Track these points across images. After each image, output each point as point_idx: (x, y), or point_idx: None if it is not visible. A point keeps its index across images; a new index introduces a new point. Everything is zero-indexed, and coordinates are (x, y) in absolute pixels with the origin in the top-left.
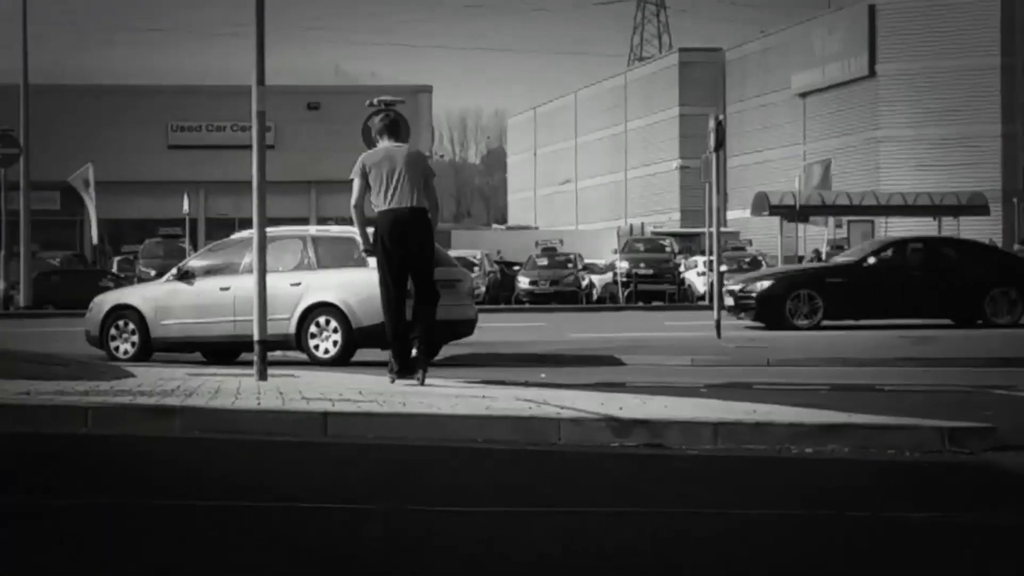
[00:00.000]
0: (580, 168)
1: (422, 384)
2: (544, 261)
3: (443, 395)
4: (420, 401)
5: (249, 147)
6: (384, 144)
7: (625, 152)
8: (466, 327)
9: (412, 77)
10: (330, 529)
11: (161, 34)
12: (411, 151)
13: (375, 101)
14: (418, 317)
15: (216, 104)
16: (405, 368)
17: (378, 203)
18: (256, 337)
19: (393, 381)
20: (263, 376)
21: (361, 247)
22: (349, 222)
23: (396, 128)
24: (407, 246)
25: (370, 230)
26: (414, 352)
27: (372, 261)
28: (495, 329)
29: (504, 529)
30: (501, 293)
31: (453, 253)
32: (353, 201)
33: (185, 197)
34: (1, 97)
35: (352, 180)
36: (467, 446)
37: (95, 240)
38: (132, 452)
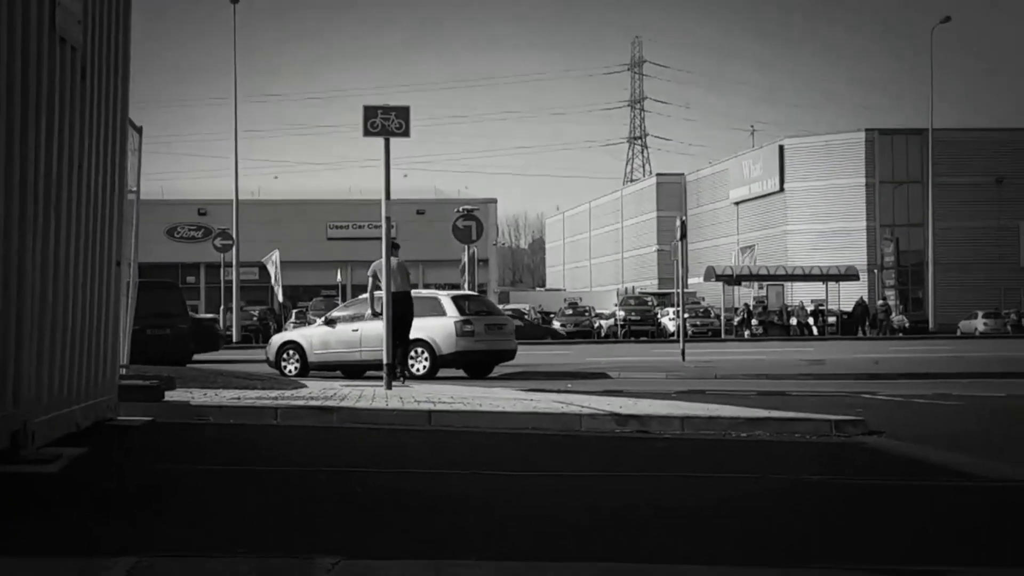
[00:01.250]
0: (593, 251)
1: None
2: (569, 311)
3: (504, 398)
4: (490, 403)
5: (380, 238)
6: (394, 258)
7: (622, 240)
8: (509, 355)
9: (484, 192)
10: (430, 484)
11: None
12: (401, 262)
13: (460, 209)
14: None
15: (358, 210)
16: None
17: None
18: (385, 360)
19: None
20: (389, 386)
21: (372, 310)
22: (442, 287)
23: (397, 249)
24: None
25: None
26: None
27: (447, 309)
28: (538, 356)
29: (548, 486)
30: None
31: (509, 306)
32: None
33: (338, 271)
34: (221, 209)
35: (374, 274)
36: (522, 432)
37: (280, 299)
38: (307, 437)
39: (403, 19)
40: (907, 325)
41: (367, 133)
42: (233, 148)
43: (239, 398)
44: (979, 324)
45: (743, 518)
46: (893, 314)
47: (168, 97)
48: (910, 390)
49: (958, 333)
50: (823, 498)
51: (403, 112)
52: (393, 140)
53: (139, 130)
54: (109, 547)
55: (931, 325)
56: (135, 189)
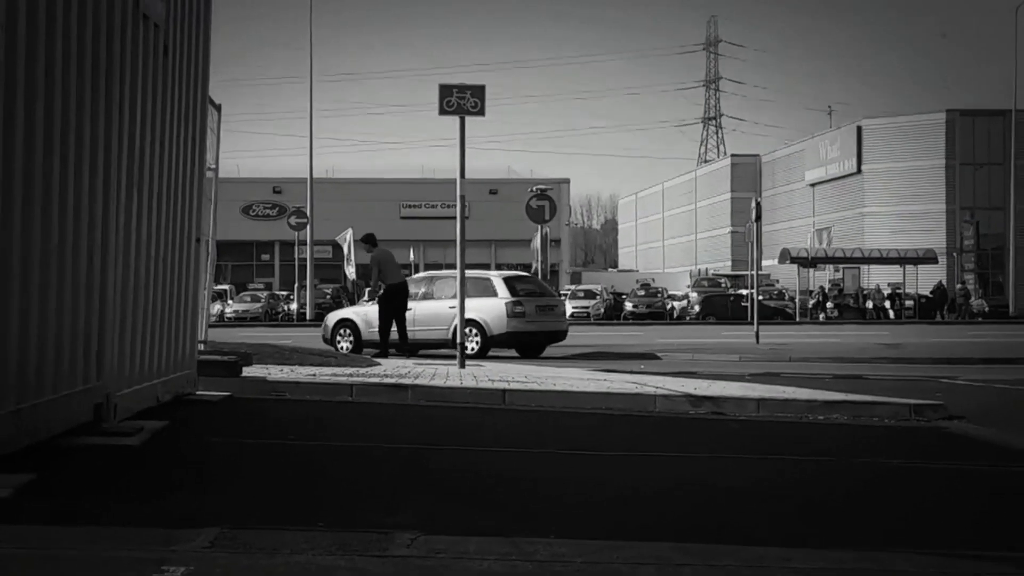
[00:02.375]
0: (666, 232)
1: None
2: (642, 292)
3: (577, 378)
4: (563, 382)
5: (453, 217)
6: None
7: (695, 221)
8: (560, 335)
9: (557, 172)
10: (506, 463)
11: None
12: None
13: (534, 188)
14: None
15: (431, 190)
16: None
17: (392, 279)
18: (459, 341)
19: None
20: (463, 365)
21: (369, 295)
22: (514, 267)
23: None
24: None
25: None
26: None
27: (499, 290)
28: (609, 336)
29: (622, 465)
30: (614, 313)
31: (583, 286)
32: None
33: (411, 249)
34: (296, 187)
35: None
36: (595, 412)
37: (352, 277)
38: (382, 414)
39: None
40: (987, 309)
41: (443, 112)
42: (308, 127)
43: (315, 375)
44: None
45: (821, 501)
46: (972, 298)
47: (245, 75)
48: (990, 375)
49: None
50: (904, 483)
51: (479, 91)
52: (468, 119)
53: (218, 108)
54: (191, 518)
55: (1011, 310)
56: (214, 167)
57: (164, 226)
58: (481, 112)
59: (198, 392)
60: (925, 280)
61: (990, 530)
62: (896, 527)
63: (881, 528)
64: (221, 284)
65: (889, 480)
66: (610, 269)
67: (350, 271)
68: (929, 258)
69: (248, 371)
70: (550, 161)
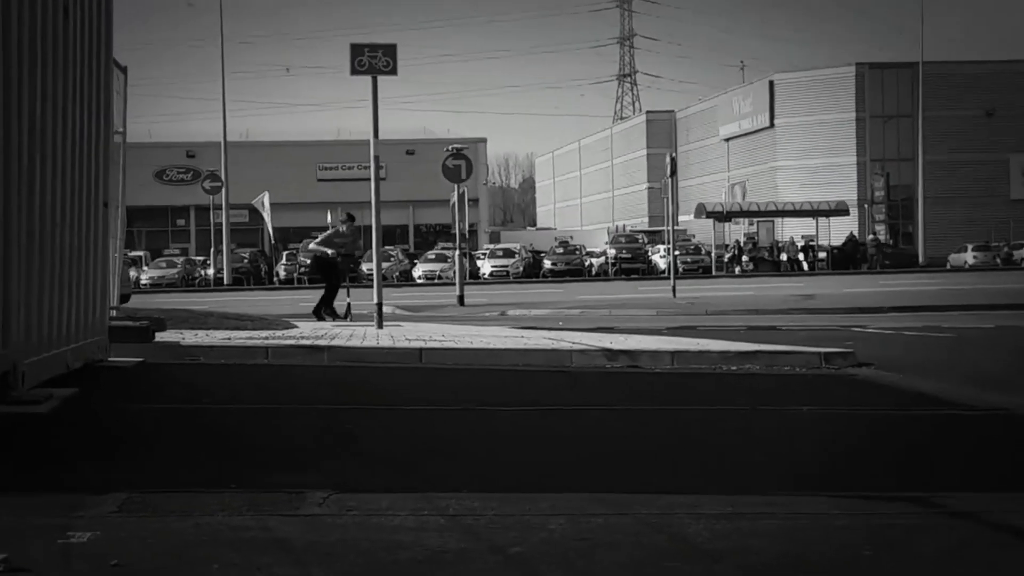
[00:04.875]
0: (583, 189)
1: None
2: (560, 250)
3: (496, 335)
4: (481, 340)
5: (369, 179)
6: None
7: (612, 178)
8: None
9: (474, 131)
10: (421, 421)
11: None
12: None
13: (450, 148)
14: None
15: (348, 151)
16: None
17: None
18: (376, 301)
19: (333, 321)
20: (380, 325)
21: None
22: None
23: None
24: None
25: None
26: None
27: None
28: (529, 294)
29: (538, 420)
30: (533, 271)
31: (502, 245)
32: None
33: (328, 212)
34: (210, 151)
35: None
36: (512, 369)
37: (272, 241)
38: (298, 376)
39: None
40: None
41: (355, 72)
42: (221, 90)
43: (229, 338)
44: (968, 257)
45: (732, 449)
46: (880, 236)
47: (154, 39)
48: (900, 323)
49: (948, 267)
50: (813, 429)
51: (390, 50)
52: (381, 79)
53: (124, 71)
54: (100, 484)
55: (920, 259)
56: (121, 130)
57: (69, 191)
58: (393, 71)
59: (110, 359)
60: (838, 232)
61: (893, 473)
62: (804, 472)
63: (790, 473)
64: (135, 250)
65: (799, 426)
66: (529, 227)
67: (269, 234)
68: (841, 210)
69: (162, 336)
70: (467, 121)
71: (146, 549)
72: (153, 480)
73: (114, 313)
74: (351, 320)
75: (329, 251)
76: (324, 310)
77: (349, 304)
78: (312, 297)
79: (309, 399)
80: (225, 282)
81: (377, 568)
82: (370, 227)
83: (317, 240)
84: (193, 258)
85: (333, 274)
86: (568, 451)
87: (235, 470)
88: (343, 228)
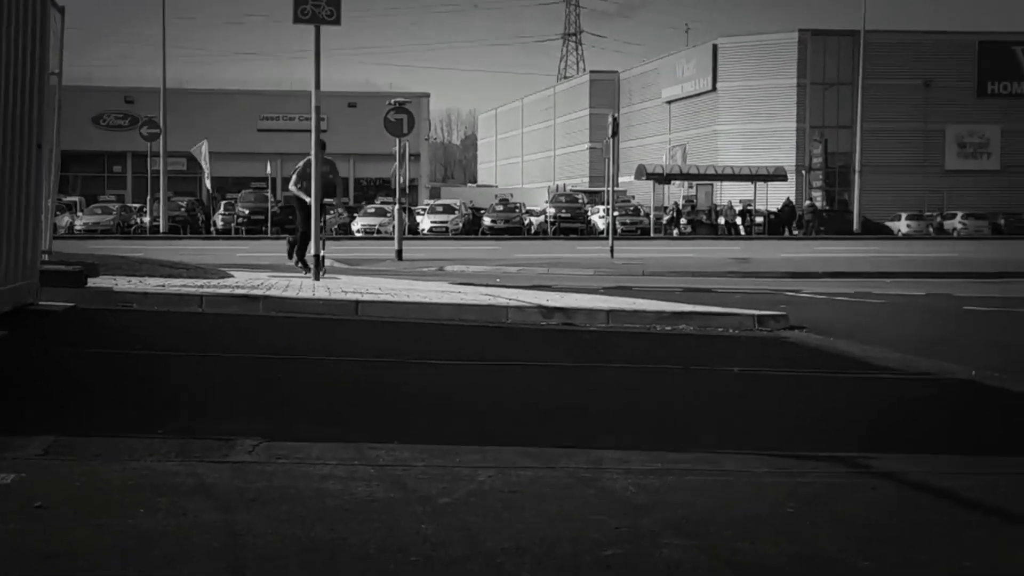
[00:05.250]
0: (525, 148)
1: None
2: (500, 207)
3: (433, 290)
4: (418, 294)
5: (310, 131)
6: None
7: (554, 137)
8: None
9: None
10: (354, 373)
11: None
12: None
13: (392, 101)
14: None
15: (290, 102)
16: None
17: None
18: (314, 252)
19: (305, 274)
20: (318, 277)
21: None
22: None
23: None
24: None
25: None
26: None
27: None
28: (468, 250)
29: (471, 375)
30: (472, 228)
31: (442, 201)
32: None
33: (268, 163)
34: (149, 97)
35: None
36: (448, 323)
37: (209, 190)
38: (231, 325)
39: None
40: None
41: (297, 20)
42: (162, 35)
43: (164, 285)
44: (902, 226)
45: (663, 407)
46: (817, 202)
47: None
48: (833, 288)
49: (883, 233)
50: (743, 389)
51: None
52: (324, 30)
53: (61, 10)
54: (27, 427)
55: (856, 226)
56: (57, 72)
57: (0, 131)
58: (337, 21)
59: (40, 303)
60: (775, 197)
61: (820, 433)
62: (732, 430)
63: (718, 431)
64: (70, 195)
65: (729, 387)
66: (469, 184)
67: (207, 183)
68: (779, 176)
69: (94, 282)
70: (410, 75)
71: (71, 492)
72: (81, 424)
73: (46, 257)
74: (324, 275)
75: (307, 198)
76: (299, 256)
77: (323, 257)
78: (250, 248)
79: (242, 348)
80: (161, 230)
81: (303, 515)
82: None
83: (292, 179)
84: (129, 205)
85: (307, 217)
86: (500, 405)
87: (165, 416)
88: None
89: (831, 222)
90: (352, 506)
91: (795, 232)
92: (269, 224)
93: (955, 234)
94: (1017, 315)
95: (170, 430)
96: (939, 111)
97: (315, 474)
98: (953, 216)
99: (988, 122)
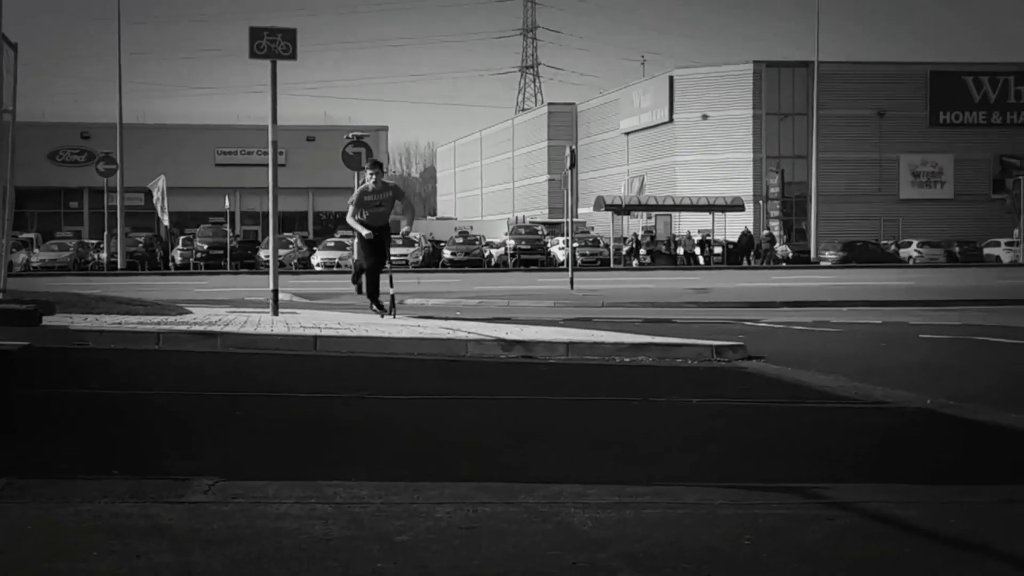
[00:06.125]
0: (484, 179)
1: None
2: (460, 240)
3: (391, 324)
4: (376, 328)
5: (268, 164)
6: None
7: (513, 169)
8: None
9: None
10: (313, 409)
11: (214, 90)
12: (383, 188)
13: (350, 135)
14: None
15: (247, 136)
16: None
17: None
18: (272, 287)
19: (383, 317)
20: (276, 312)
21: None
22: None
23: (380, 168)
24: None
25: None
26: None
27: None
28: (428, 283)
29: (430, 409)
30: (432, 260)
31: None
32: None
33: (226, 197)
34: (105, 132)
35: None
36: (406, 357)
37: (166, 225)
38: (189, 362)
39: None
40: (790, 255)
41: (253, 55)
42: (117, 70)
43: (120, 323)
44: (912, 252)
45: (620, 440)
46: (777, 244)
47: (48, 15)
48: (791, 318)
49: (825, 261)
50: (702, 420)
51: (290, 34)
52: (281, 64)
53: (14, 47)
54: None
55: (813, 255)
56: (10, 108)
57: None
58: (293, 56)
59: None
60: (733, 227)
61: (778, 464)
62: (690, 462)
63: (676, 463)
64: (26, 232)
65: (688, 417)
66: (429, 217)
67: (164, 219)
68: (736, 206)
69: (49, 320)
70: (368, 109)
71: (23, 536)
72: (34, 466)
73: (0, 296)
74: (395, 316)
75: (363, 231)
76: (371, 298)
77: (393, 297)
78: (209, 283)
79: (200, 385)
80: (119, 266)
81: (260, 555)
82: (267, 214)
83: (349, 211)
84: (86, 241)
85: (370, 252)
86: (459, 439)
87: (120, 456)
88: (371, 182)
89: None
90: (308, 545)
91: (753, 261)
92: (228, 259)
93: (911, 262)
94: (972, 343)
95: (125, 470)
96: (893, 141)
97: (271, 513)
98: (908, 244)
99: (941, 151)
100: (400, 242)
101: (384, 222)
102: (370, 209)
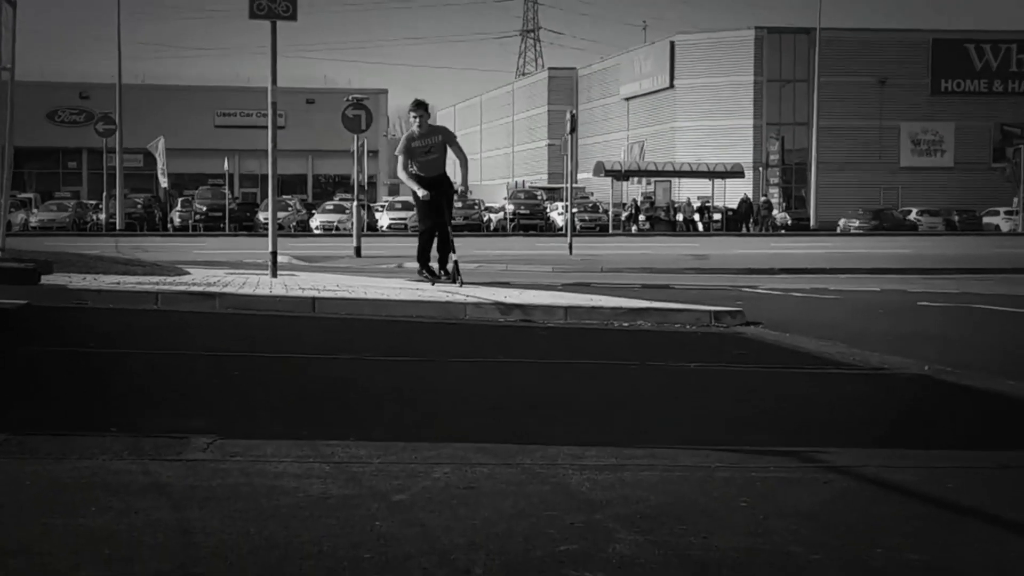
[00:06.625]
0: (484, 144)
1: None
2: (459, 204)
3: (390, 287)
4: (375, 291)
5: (268, 127)
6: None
7: (512, 134)
8: None
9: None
10: (311, 369)
11: (214, 50)
12: (428, 133)
13: (350, 98)
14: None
15: (247, 98)
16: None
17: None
18: (271, 249)
19: (433, 284)
20: (274, 274)
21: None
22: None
23: (424, 107)
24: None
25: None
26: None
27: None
28: None
29: (429, 371)
30: None
31: (400, 198)
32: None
33: (226, 159)
34: (104, 92)
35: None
36: (405, 320)
37: (165, 186)
38: (187, 322)
39: None
40: (789, 222)
41: (253, 15)
42: (116, 30)
43: (119, 283)
44: (856, 222)
45: (619, 403)
46: (776, 211)
47: None
48: (789, 284)
49: (838, 230)
50: (699, 384)
51: None
52: (281, 25)
53: (13, 4)
54: None
55: (812, 222)
56: (9, 67)
57: None
58: (293, 17)
59: None
60: (733, 193)
61: (775, 428)
62: (687, 425)
63: (673, 426)
64: (25, 192)
65: (685, 382)
66: None
67: (163, 181)
68: (736, 172)
69: (48, 279)
70: (369, 72)
71: (21, 491)
72: (32, 422)
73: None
74: (460, 284)
75: (419, 191)
76: (421, 264)
77: (456, 262)
78: (208, 245)
79: (197, 345)
80: (117, 227)
81: (257, 513)
82: (267, 176)
83: (399, 162)
84: (85, 202)
85: (426, 212)
86: (457, 400)
87: (118, 414)
88: (415, 126)
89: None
90: (306, 504)
91: (752, 229)
92: (227, 221)
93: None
94: (970, 310)
95: (123, 428)
96: (893, 108)
97: (270, 471)
98: (908, 212)
99: (942, 119)
100: (460, 204)
101: (439, 171)
102: (419, 158)
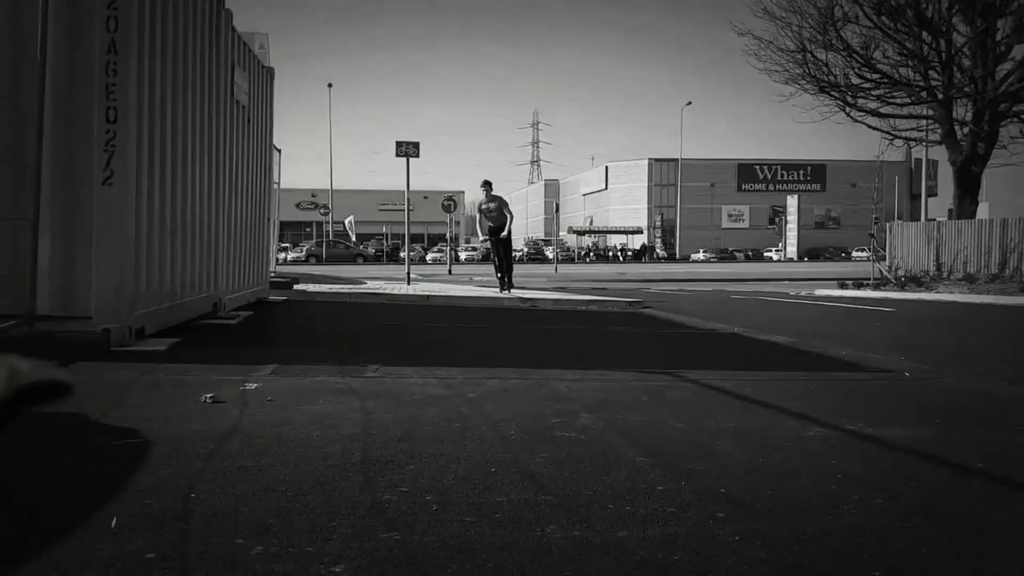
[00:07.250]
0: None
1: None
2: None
3: (467, 289)
4: (457, 291)
5: (405, 213)
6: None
7: (527, 212)
8: None
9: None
10: (426, 331)
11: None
12: (491, 200)
13: (446, 196)
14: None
15: (392, 196)
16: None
17: (495, 222)
18: (406, 271)
19: (501, 291)
20: (408, 283)
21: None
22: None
23: (489, 187)
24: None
25: None
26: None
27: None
28: (484, 270)
29: (483, 333)
30: (487, 257)
31: (470, 244)
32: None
33: (384, 227)
34: (323, 193)
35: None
36: (473, 305)
37: (353, 240)
38: (364, 307)
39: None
40: (666, 255)
41: (398, 155)
42: (328, 155)
43: (331, 288)
44: (701, 255)
45: (583, 348)
46: (658, 250)
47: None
48: (667, 287)
49: (690, 260)
50: (623, 338)
51: (416, 145)
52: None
53: (279, 151)
54: (262, 360)
55: (678, 255)
56: (277, 181)
57: (251, 211)
58: (416, 155)
59: (270, 297)
60: (637, 241)
61: (659, 359)
62: (614, 359)
63: (607, 359)
64: (283, 243)
65: (615, 337)
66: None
67: (352, 237)
68: (638, 231)
69: (297, 287)
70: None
71: (285, 391)
72: (289, 358)
73: (272, 273)
74: (510, 292)
75: (481, 236)
76: (504, 282)
77: (510, 277)
78: (375, 270)
79: (368, 321)
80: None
81: (398, 401)
82: (405, 234)
83: (477, 217)
84: (313, 248)
85: (493, 249)
86: (500, 347)
87: (330, 355)
88: (483, 197)
89: (668, 254)
90: (424, 398)
91: (646, 259)
92: (385, 256)
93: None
94: (760, 299)
95: (333, 362)
96: (719, 198)
97: (406, 382)
98: (727, 249)
99: (742, 204)
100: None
101: (499, 223)
102: (486, 216)
